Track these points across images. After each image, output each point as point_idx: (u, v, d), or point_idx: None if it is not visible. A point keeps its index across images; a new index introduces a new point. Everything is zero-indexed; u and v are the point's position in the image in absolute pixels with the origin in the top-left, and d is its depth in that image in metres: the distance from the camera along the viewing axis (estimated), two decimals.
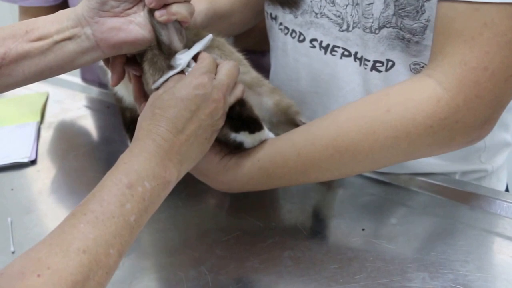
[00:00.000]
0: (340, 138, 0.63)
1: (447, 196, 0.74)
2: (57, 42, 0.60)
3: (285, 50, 0.82)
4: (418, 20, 0.66)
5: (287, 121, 0.72)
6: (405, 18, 0.67)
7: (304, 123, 0.71)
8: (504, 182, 0.85)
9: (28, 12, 1.11)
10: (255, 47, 1.04)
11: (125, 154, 0.56)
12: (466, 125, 0.61)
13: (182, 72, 0.62)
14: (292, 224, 0.74)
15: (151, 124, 0.57)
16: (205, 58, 0.62)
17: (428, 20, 0.66)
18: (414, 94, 0.61)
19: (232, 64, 0.63)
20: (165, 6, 0.59)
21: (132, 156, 0.56)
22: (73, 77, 1.14)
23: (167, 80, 0.61)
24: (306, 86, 0.81)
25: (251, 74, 0.71)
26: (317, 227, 0.72)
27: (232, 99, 0.63)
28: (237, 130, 0.65)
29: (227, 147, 0.66)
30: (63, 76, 1.11)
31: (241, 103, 0.64)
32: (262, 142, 0.67)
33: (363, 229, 0.70)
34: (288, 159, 0.65)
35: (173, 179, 0.57)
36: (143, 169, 0.54)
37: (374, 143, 0.62)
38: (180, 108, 0.58)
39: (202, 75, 0.60)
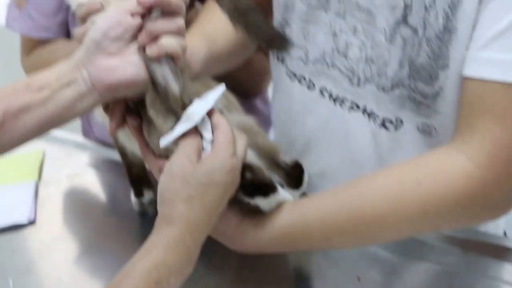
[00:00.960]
0: (367, 209, 0.62)
1: (442, 242, 0.75)
2: (56, 90, 0.58)
3: (289, 95, 0.82)
4: (431, 86, 0.67)
5: (270, 164, 0.70)
6: (418, 81, 0.67)
7: (286, 163, 0.70)
8: (501, 228, 0.85)
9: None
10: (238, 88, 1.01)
11: (159, 240, 0.55)
12: (494, 201, 0.61)
13: (195, 127, 0.58)
14: (287, 273, 0.74)
15: (189, 210, 0.56)
16: (227, 131, 0.59)
17: (441, 88, 0.66)
18: (444, 168, 0.61)
19: (246, 142, 0.61)
20: (156, 40, 0.58)
21: (167, 245, 0.54)
22: (69, 133, 1.15)
23: (179, 137, 0.58)
24: (312, 132, 0.81)
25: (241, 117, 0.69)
26: (313, 276, 0.71)
27: None
28: (251, 195, 0.63)
29: (245, 208, 0.64)
30: (59, 134, 1.12)
31: (251, 169, 0.62)
32: (283, 205, 0.65)
33: (358, 279, 0.70)
34: (311, 225, 0.64)
35: (192, 268, 0.57)
36: (174, 265, 0.54)
37: (403, 216, 0.61)
38: (214, 194, 0.57)
39: (233, 158, 0.58)
